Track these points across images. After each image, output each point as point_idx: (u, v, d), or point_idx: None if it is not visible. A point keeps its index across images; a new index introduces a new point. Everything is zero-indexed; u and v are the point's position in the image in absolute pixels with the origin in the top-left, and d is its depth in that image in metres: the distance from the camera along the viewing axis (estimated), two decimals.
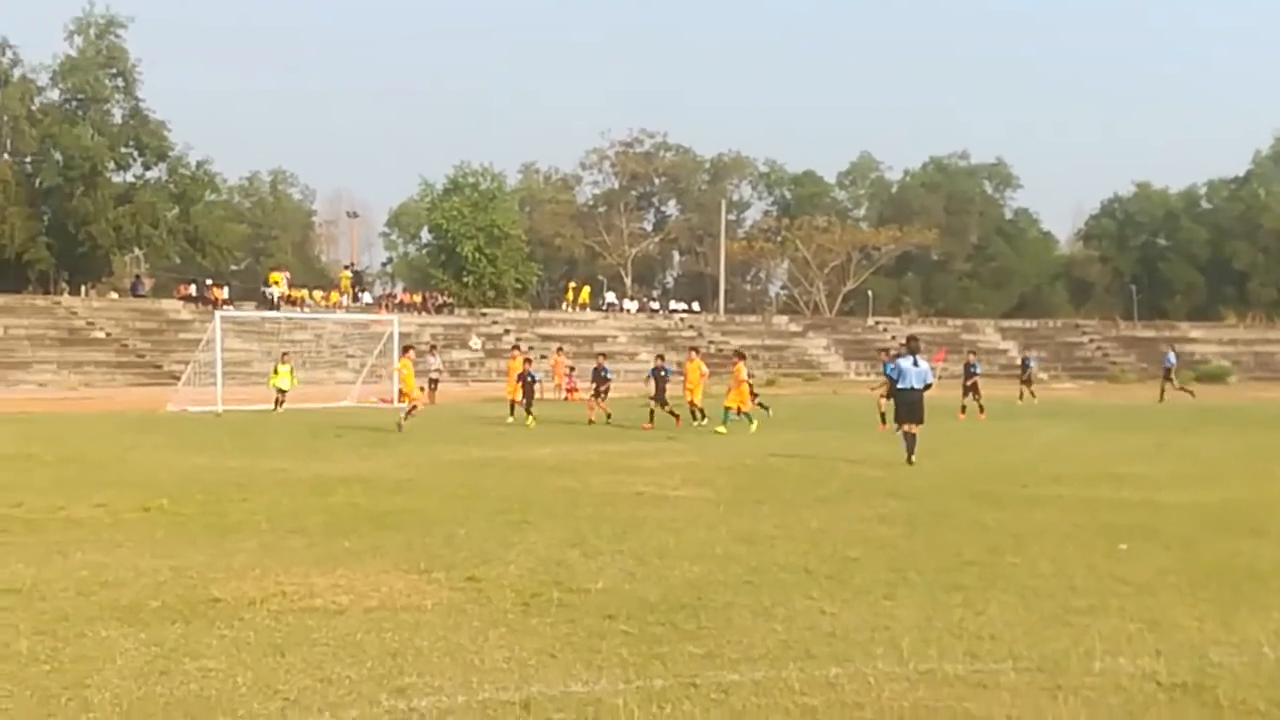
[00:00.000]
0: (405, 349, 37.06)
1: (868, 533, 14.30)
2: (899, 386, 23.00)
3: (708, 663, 8.49)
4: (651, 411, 34.49)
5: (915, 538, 14.00)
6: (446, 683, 7.95)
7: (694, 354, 36.31)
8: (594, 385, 36.86)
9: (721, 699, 7.61)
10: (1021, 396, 49.77)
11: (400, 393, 35.73)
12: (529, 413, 35.04)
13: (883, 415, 32.07)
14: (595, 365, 37.61)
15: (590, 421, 35.31)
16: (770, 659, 8.59)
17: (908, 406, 22.77)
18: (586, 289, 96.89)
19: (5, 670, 8.17)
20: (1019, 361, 58.82)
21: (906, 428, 22.54)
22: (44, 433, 30.09)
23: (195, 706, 7.44)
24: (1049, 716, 7.26)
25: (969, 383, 41.56)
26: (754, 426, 31.51)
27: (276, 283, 79.99)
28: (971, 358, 42.34)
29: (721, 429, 31.04)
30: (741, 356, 33.89)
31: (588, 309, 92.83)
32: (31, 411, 39.06)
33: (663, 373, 35.42)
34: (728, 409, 31.89)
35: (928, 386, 23.03)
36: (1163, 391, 55.49)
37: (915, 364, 22.94)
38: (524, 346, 42.25)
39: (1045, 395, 56.23)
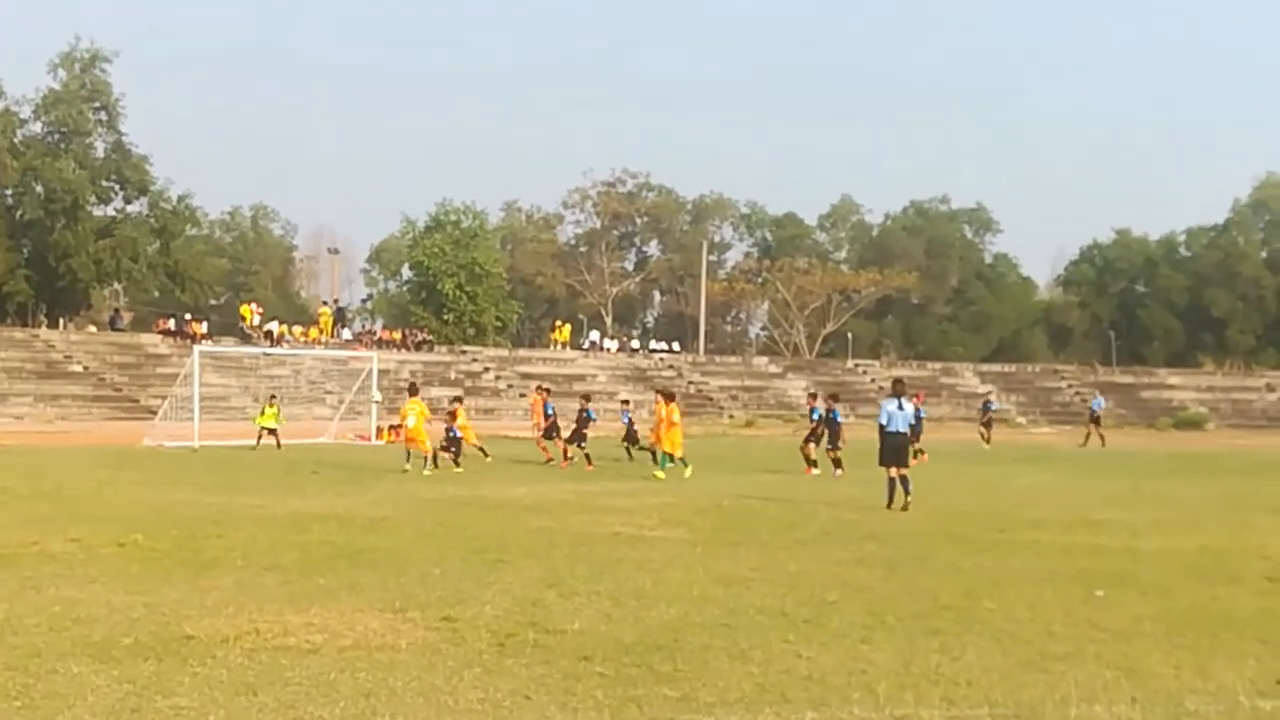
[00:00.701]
0: (413, 388, 35.43)
1: (845, 576, 14.27)
2: (886, 429, 22.67)
3: (684, 706, 8.45)
4: (586, 454, 34.20)
5: (893, 581, 13.98)
6: None
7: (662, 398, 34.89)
8: (574, 426, 36.30)
9: None
10: (986, 440, 50.03)
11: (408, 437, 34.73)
12: (566, 445, 34.87)
13: (809, 459, 32.25)
14: (579, 407, 36.88)
15: (549, 460, 35.09)
16: (746, 703, 8.56)
17: (892, 450, 22.51)
18: (567, 327, 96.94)
19: None
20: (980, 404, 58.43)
21: (892, 471, 22.34)
22: (19, 466, 29.93)
23: None
24: None
25: (985, 419, 48.60)
26: (688, 471, 30.23)
27: (246, 316, 79.88)
28: (989, 398, 44.95)
29: (660, 474, 29.69)
30: (670, 397, 31.92)
31: (567, 348, 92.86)
32: (7, 444, 38.85)
33: (585, 414, 35.21)
34: (667, 453, 30.53)
35: (914, 430, 22.94)
36: (1088, 436, 54.25)
37: (900, 407, 22.81)
38: (548, 387, 41.31)
39: (1024, 440, 56.39)
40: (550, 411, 36.13)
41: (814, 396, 34.95)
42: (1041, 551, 16.84)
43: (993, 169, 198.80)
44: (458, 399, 36.39)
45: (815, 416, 33.74)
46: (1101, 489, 28.99)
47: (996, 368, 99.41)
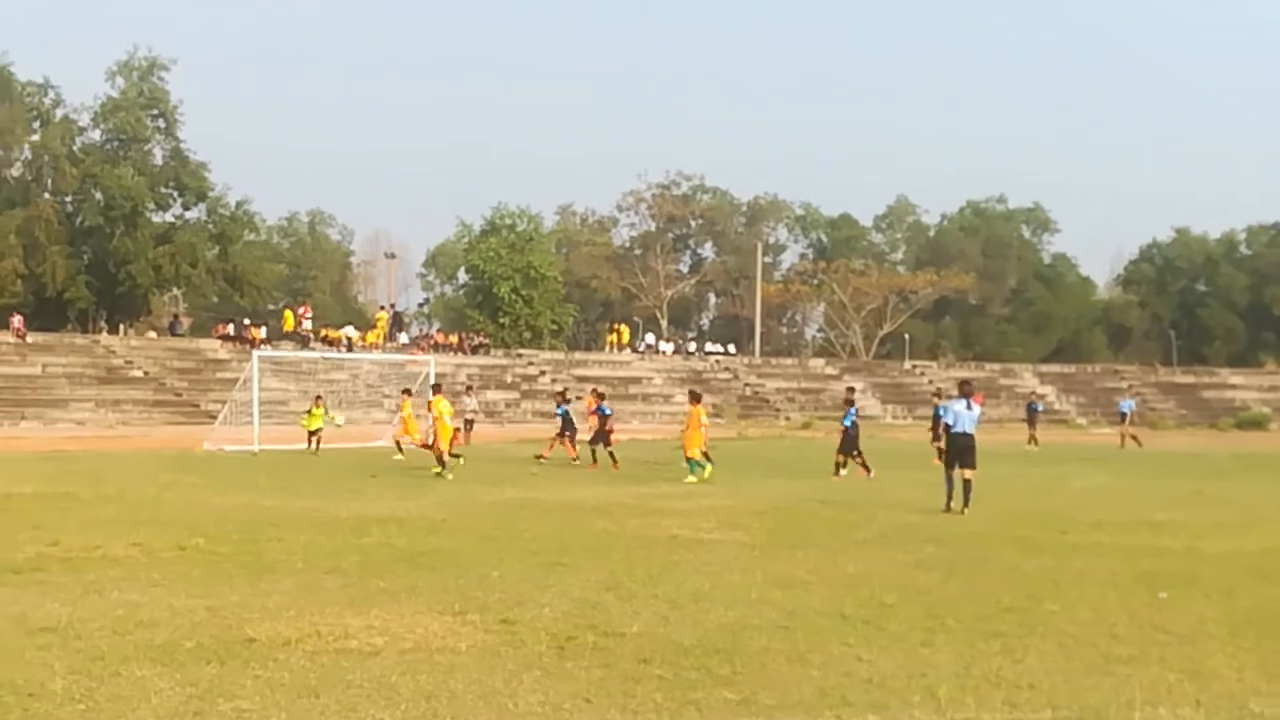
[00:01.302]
0: (436, 387, 35.92)
1: (905, 578, 14.20)
2: (953, 430, 22.63)
3: (743, 709, 8.43)
4: (593, 451, 34.81)
5: (953, 583, 13.90)
6: None
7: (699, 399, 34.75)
8: (597, 426, 36.56)
9: None
10: (1030, 441, 49.60)
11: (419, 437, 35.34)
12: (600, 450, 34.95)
13: (838, 465, 31.39)
14: (592, 404, 37.27)
15: (575, 459, 35.85)
16: (806, 706, 8.53)
17: (961, 451, 22.40)
18: (625, 329, 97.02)
19: (40, 709, 8.18)
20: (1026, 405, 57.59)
21: (958, 472, 22.21)
22: (82, 471, 30.22)
23: None
24: None
25: (1031, 420, 49.65)
26: (706, 472, 29.95)
27: (288, 321, 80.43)
28: (1034, 398, 44.91)
29: (691, 479, 29.41)
30: (697, 399, 32.07)
31: (626, 350, 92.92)
32: (69, 450, 39.25)
33: (601, 411, 35.89)
34: (690, 458, 30.36)
35: (935, 431, 22.80)
36: (1123, 438, 53.49)
37: (969, 407, 22.71)
38: (601, 390, 41.48)
39: (1084, 441, 55.92)
40: (607, 413, 36.17)
41: (849, 402, 34.25)
42: (1103, 553, 16.70)
43: (1051, 168, 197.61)
44: (436, 386, 36.47)
45: (847, 422, 32.88)
46: (1163, 490, 28.73)
47: (1056, 368, 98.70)
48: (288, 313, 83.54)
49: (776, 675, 9.39)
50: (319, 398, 42.96)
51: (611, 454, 34.39)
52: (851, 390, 34.45)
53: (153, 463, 34.29)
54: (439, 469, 30.87)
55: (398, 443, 37.70)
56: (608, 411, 36.23)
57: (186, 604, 11.95)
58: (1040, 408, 56.94)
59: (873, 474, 30.74)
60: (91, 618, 11.24)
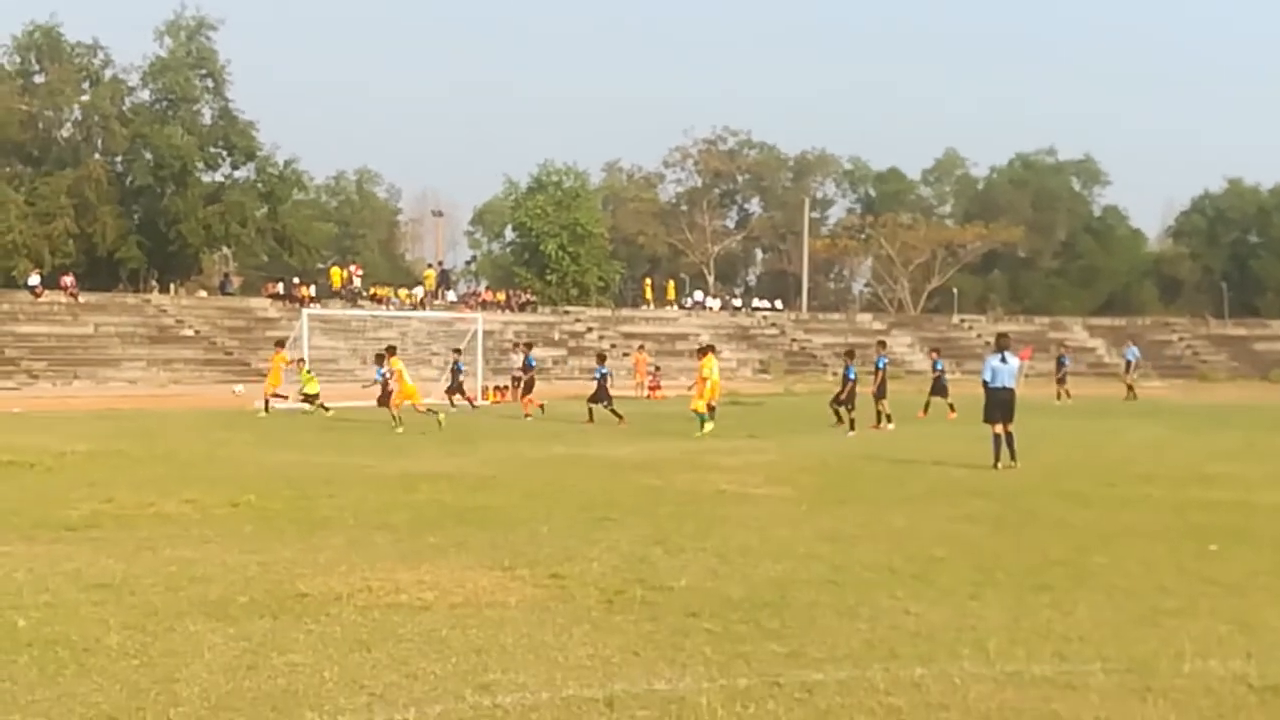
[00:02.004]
0: (391, 349, 36.56)
1: (953, 532, 14.19)
2: (990, 385, 22.08)
3: (791, 661, 8.46)
4: (590, 410, 35.31)
5: (1001, 537, 13.88)
6: (530, 679, 7.99)
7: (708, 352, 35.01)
8: (525, 381, 38.81)
9: (806, 698, 7.59)
10: (1058, 396, 49.25)
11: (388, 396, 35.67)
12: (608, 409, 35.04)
13: (838, 414, 31.69)
14: (523, 356, 39.99)
15: (527, 415, 36.57)
16: (854, 658, 8.55)
17: (1000, 406, 21.85)
18: (671, 283, 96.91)
19: (95, 664, 8.29)
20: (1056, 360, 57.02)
21: (997, 428, 21.73)
22: (134, 429, 30.52)
23: (282, 701, 7.52)
24: (1138, 719, 7.17)
25: (1060, 375, 48.73)
26: (707, 428, 29.78)
27: (335, 279, 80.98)
28: (1063, 351, 44.46)
29: (699, 434, 29.36)
30: (708, 351, 32.42)
31: (673, 305, 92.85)
32: (121, 408, 39.65)
33: (527, 364, 38.43)
34: (698, 411, 30.40)
35: (939, 384, 22.46)
36: (1129, 388, 53.48)
37: (1004, 360, 22.19)
38: (629, 346, 42.16)
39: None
40: (604, 373, 36.97)
41: (849, 355, 34.04)
42: (1153, 506, 16.63)
43: (1101, 119, 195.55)
44: (390, 349, 36.75)
45: (850, 375, 32.90)
46: (1214, 443, 28.55)
47: (1106, 321, 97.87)
48: (335, 270, 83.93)
49: (825, 628, 9.41)
50: (301, 361, 42.50)
51: (614, 411, 34.61)
52: (851, 353, 34.31)
53: (204, 421, 34.60)
54: (395, 424, 31.11)
55: (267, 401, 38.67)
56: (604, 372, 37.04)
57: (239, 560, 12.08)
58: (1069, 361, 56.63)
59: (854, 432, 30.69)
60: (145, 574, 11.37)
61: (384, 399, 37.28)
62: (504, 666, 8.29)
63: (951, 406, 37.79)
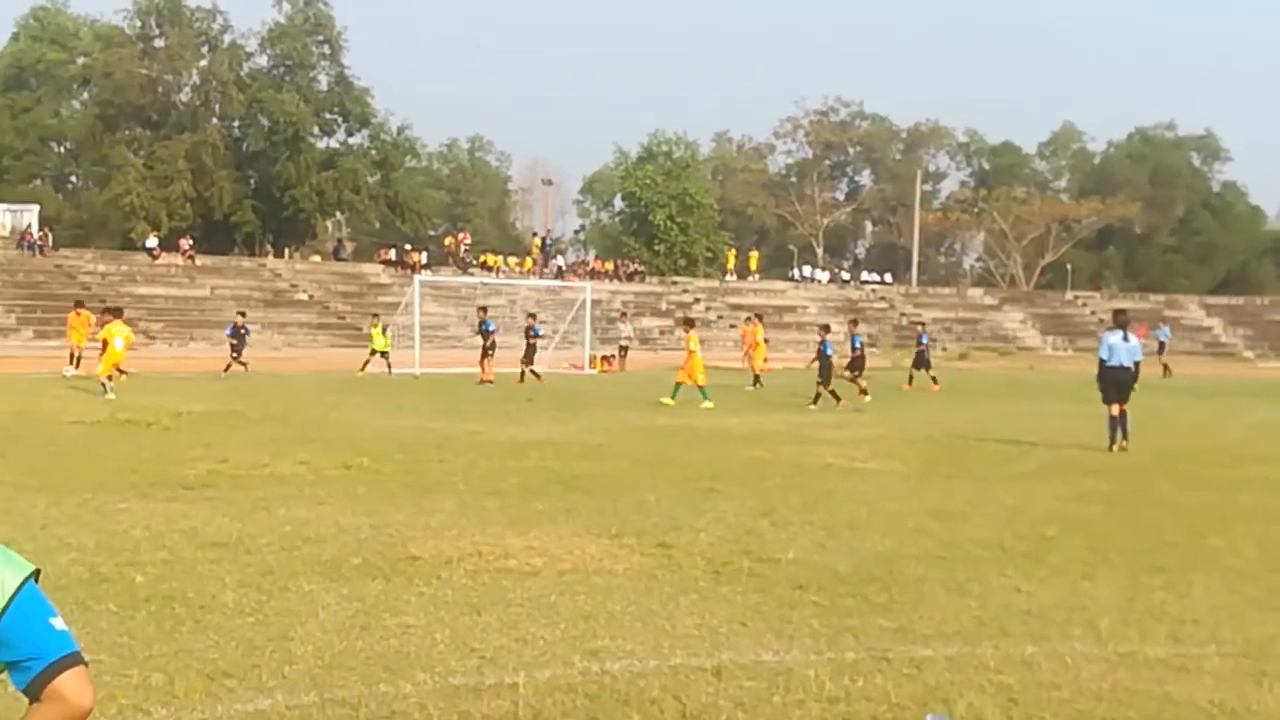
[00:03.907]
0: (117, 310, 33.44)
1: (1064, 511, 14.02)
2: (1108, 364, 21.14)
3: (900, 637, 8.42)
4: (521, 373, 36.59)
5: (1114, 517, 13.69)
6: (638, 647, 8.03)
7: (755, 320, 35.95)
8: (525, 347, 38.77)
9: (914, 674, 7.55)
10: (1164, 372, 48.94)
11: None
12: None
13: (833, 393, 30.59)
14: (526, 325, 39.39)
15: (482, 381, 36.69)
16: (964, 635, 8.49)
17: (1117, 386, 20.86)
18: (754, 254, 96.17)
19: (212, 621, 8.46)
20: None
21: (1114, 409, 20.76)
22: (248, 391, 31.00)
23: (395, 661, 7.62)
24: (1254, 703, 7.06)
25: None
26: (708, 402, 29.23)
27: (449, 244, 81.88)
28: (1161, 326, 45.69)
29: (668, 401, 29.23)
30: (691, 324, 32.40)
31: (757, 276, 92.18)
32: (236, 370, 40.29)
33: (532, 332, 38.26)
34: (678, 383, 30.17)
35: (1137, 364, 21.07)
36: (1165, 368, 52.34)
37: (1125, 339, 21.26)
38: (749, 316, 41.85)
39: (1251, 375, 54.46)
40: (538, 333, 39.10)
41: (825, 329, 33.65)
42: (1271, 488, 16.29)
43: (1223, 94, 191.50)
44: (109, 310, 33.96)
45: (856, 344, 32.87)
46: None
47: (1223, 300, 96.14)
48: (449, 240, 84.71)
49: (934, 604, 9.36)
50: (376, 316, 42.79)
51: (535, 373, 36.94)
52: (826, 329, 33.92)
53: (318, 384, 35.09)
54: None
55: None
56: (539, 332, 38.58)
57: (352, 521, 12.25)
58: (1168, 336, 56.20)
59: (842, 403, 30.18)
60: (260, 533, 11.57)
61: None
62: (612, 633, 8.34)
63: (934, 379, 37.78)
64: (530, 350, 38.76)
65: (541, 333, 38.97)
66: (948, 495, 15.12)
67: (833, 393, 30.44)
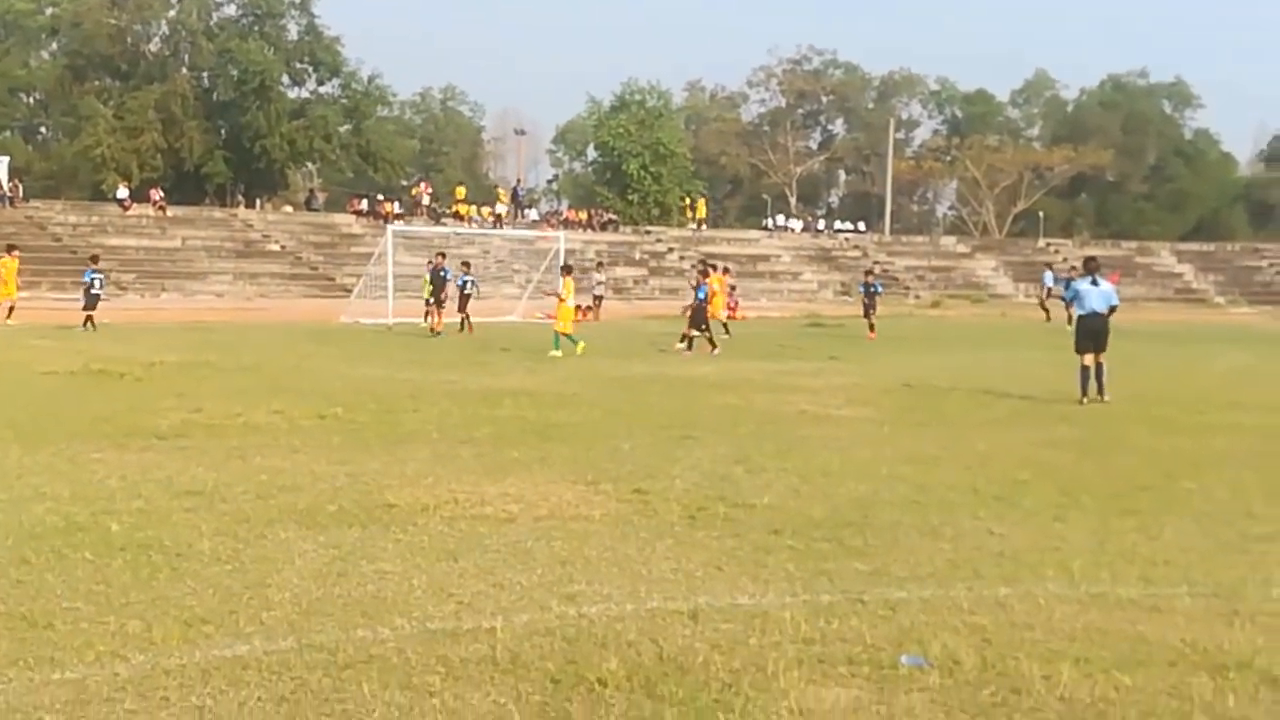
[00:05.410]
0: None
1: (1037, 456, 14.10)
2: (1079, 312, 20.92)
3: (875, 579, 8.48)
4: (462, 322, 37.49)
5: (1086, 462, 13.78)
6: (615, 591, 8.07)
7: (714, 270, 36.30)
8: (459, 295, 38.52)
9: (889, 615, 7.61)
10: (1048, 317, 49.09)
11: None
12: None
13: (707, 338, 31.06)
14: (433, 265, 38.74)
15: (433, 331, 36.51)
16: (938, 578, 8.56)
17: (1090, 334, 20.34)
18: (702, 202, 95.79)
19: (189, 569, 8.45)
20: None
21: (1087, 359, 20.23)
22: (221, 342, 30.90)
23: (372, 607, 7.64)
24: (1225, 641, 7.13)
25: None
26: (579, 348, 28.92)
27: (415, 194, 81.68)
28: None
29: (555, 353, 28.81)
30: (568, 271, 32.27)
31: (703, 226, 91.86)
32: (208, 321, 40.17)
33: (442, 273, 37.76)
34: (558, 332, 29.80)
35: (1113, 309, 20.49)
36: (1046, 310, 52.04)
37: (1095, 283, 20.66)
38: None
39: (1222, 320, 54.75)
40: (460, 280, 38.74)
41: (704, 274, 33.65)
42: (1242, 433, 16.41)
43: (1195, 41, 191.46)
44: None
45: (701, 295, 32.09)
46: None
47: (1194, 247, 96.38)
48: (415, 190, 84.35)
49: (908, 548, 9.42)
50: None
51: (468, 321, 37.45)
52: (704, 263, 33.92)
53: (290, 335, 34.96)
54: None
55: None
56: (460, 279, 38.55)
57: (327, 470, 12.25)
58: (1053, 282, 57.10)
59: (718, 350, 30.52)
60: (235, 482, 11.56)
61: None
62: (589, 578, 8.37)
63: (872, 327, 38.00)
64: (464, 300, 38.66)
65: (468, 281, 38.70)
66: (921, 441, 15.19)
67: (707, 339, 31.06)
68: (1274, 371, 28.23)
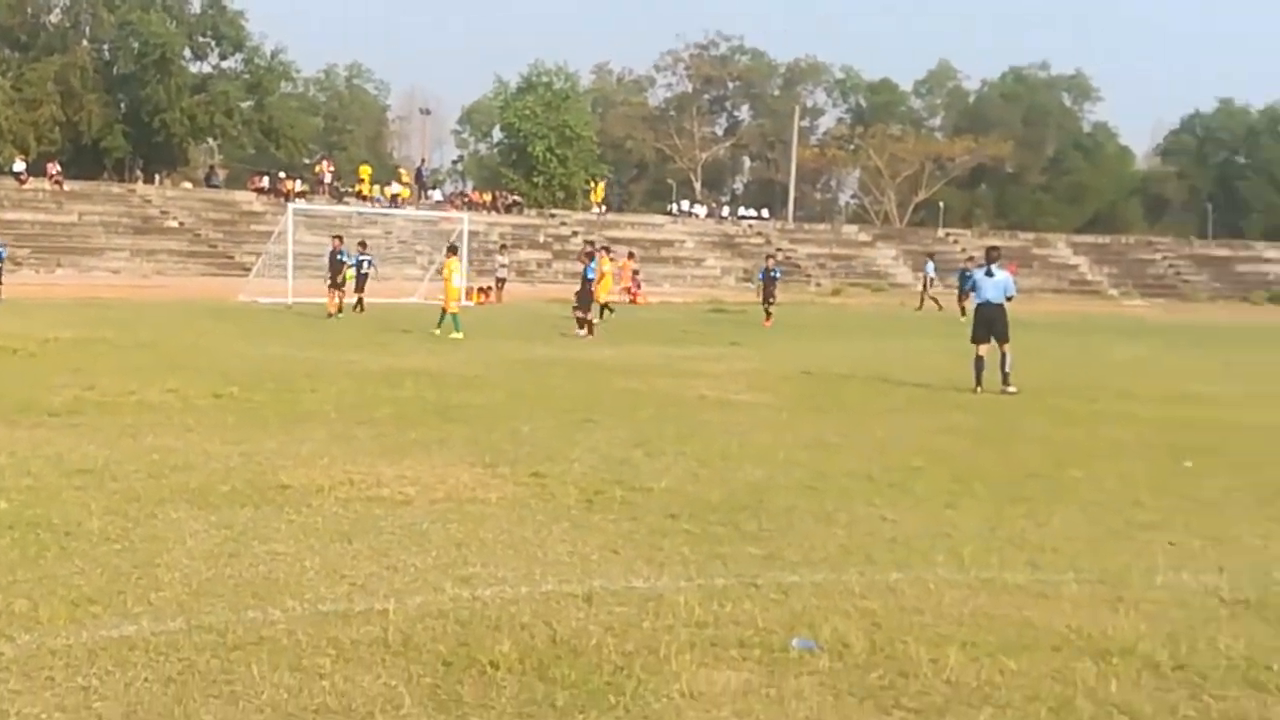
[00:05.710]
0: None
1: (933, 444, 14.28)
2: (976, 301, 21.18)
3: (768, 563, 8.54)
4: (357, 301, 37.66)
5: (981, 450, 13.97)
6: (510, 574, 8.06)
7: (604, 253, 37.20)
8: (356, 275, 38.31)
9: (781, 599, 7.67)
10: (920, 305, 51.88)
11: None
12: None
13: (587, 322, 31.73)
14: (332, 249, 38.04)
15: (330, 314, 35.81)
16: (831, 562, 8.64)
17: (985, 323, 20.56)
18: (600, 185, 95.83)
19: (78, 548, 8.34)
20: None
21: (982, 348, 20.40)
22: (117, 318, 30.48)
23: (263, 588, 7.58)
24: (1109, 628, 7.26)
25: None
26: (450, 332, 29.32)
27: (319, 171, 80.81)
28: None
29: (436, 331, 29.52)
30: (454, 251, 33.49)
31: (605, 209, 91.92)
32: (105, 297, 39.57)
33: (339, 256, 37.30)
34: (445, 311, 30.37)
35: (1009, 299, 20.67)
36: (922, 300, 54.66)
37: (990, 274, 20.83)
38: (604, 246, 41.56)
39: (1116, 312, 55.70)
40: (359, 260, 38.63)
41: (590, 255, 34.23)
42: (1133, 423, 16.71)
43: (1096, 35, 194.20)
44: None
45: (590, 276, 33.11)
46: (1194, 362, 28.70)
47: (1090, 239, 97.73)
48: (319, 167, 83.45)
49: (802, 532, 9.50)
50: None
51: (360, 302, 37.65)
52: (591, 244, 34.53)
53: (188, 313, 34.56)
54: None
55: None
56: (355, 258, 38.33)
57: (221, 449, 12.12)
58: (934, 272, 58.51)
59: (593, 334, 31.06)
60: (127, 460, 11.42)
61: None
62: (484, 561, 8.36)
63: (769, 313, 38.50)
64: (362, 280, 38.58)
65: (363, 260, 38.60)
66: (819, 428, 15.32)
67: (589, 321, 31.59)
68: (1166, 363, 28.77)
